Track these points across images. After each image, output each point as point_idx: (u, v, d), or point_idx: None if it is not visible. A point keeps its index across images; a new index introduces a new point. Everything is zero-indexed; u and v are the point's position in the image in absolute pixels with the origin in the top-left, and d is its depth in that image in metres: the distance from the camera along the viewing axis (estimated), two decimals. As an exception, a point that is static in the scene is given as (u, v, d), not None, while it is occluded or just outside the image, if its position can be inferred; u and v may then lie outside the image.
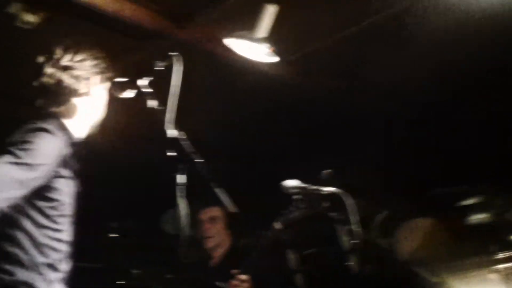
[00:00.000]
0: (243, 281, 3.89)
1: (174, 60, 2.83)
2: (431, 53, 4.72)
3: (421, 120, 5.81)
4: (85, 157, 2.84)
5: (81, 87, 2.83)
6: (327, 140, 6.04)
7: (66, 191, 2.71)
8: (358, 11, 4.22)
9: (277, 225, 3.60)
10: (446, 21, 4.22)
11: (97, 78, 2.91)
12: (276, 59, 4.13)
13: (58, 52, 2.82)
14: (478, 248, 5.67)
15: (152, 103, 2.79)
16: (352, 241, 3.10)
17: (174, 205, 2.62)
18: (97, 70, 2.90)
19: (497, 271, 5.43)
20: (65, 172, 2.68)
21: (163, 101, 2.75)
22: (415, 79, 5.13)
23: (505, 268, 5.42)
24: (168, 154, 2.66)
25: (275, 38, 3.95)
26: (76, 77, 2.81)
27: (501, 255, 5.54)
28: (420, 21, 4.23)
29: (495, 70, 4.93)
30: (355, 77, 5.29)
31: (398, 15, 4.19)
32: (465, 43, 4.55)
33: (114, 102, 3.03)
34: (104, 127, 3.09)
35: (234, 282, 3.91)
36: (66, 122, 2.81)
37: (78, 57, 2.84)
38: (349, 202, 3.13)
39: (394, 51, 4.73)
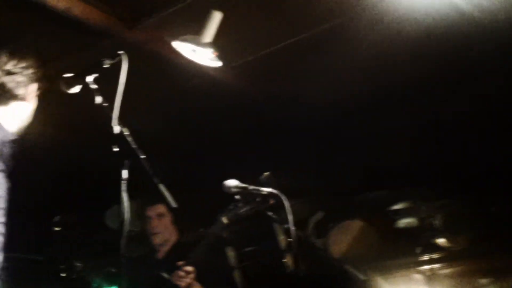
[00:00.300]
0: (188, 272, 3.82)
1: (122, 58, 2.79)
2: (368, 63, 4.75)
3: (355, 126, 5.83)
4: (18, 154, 2.80)
5: (20, 92, 2.83)
6: (266, 143, 6.02)
7: (0, 184, 2.64)
8: (301, 21, 4.22)
9: (224, 220, 3.53)
10: (386, 35, 4.25)
11: (35, 85, 2.91)
12: (219, 63, 4.12)
13: (4, 56, 2.81)
14: (404, 250, 5.76)
15: (98, 100, 2.75)
16: (288, 240, 3.08)
17: (117, 199, 2.53)
18: (36, 77, 2.90)
19: (421, 271, 5.53)
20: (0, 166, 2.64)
21: (107, 98, 2.71)
22: (351, 85, 5.16)
23: (428, 269, 5.52)
24: (113, 149, 2.61)
25: (219, 44, 3.92)
26: (18, 83, 2.82)
27: (425, 257, 5.66)
28: (362, 33, 4.25)
29: (429, 81, 5.00)
30: (294, 85, 5.29)
31: (340, 27, 4.19)
32: (402, 57, 4.60)
33: (59, 98, 2.98)
34: (49, 123, 3.03)
35: (180, 273, 3.83)
36: (1, 120, 2.78)
37: (22, 63, 2.84)
38: (286, 203, 3.12)
39: (334, 61, 4.74)
